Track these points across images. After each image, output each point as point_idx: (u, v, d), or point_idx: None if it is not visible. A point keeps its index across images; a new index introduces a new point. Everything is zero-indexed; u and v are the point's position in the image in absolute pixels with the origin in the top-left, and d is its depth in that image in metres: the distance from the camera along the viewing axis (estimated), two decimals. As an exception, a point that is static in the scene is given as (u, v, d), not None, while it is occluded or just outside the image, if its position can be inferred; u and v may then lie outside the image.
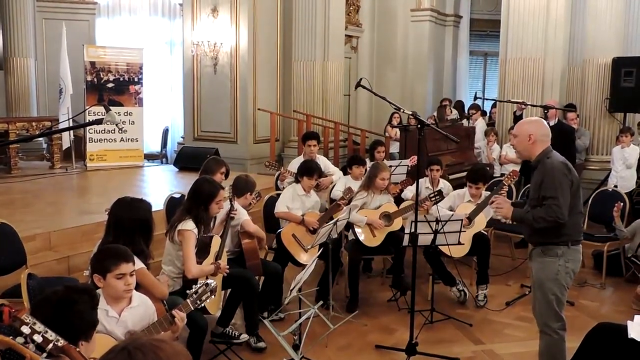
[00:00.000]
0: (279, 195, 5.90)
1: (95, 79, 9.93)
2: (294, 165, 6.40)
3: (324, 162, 6.78)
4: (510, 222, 5.26)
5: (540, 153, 3.79)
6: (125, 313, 3.07)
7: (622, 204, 6.26)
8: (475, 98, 9.19)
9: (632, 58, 8.72)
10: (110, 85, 10.02)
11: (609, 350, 3.43)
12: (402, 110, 4.48)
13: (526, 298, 5.59)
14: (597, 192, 7.09)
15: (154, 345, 1.39)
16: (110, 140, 9.98)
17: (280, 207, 5.57)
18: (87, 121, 8.01)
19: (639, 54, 9.05)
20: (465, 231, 5.25)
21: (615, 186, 7.33)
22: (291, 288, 4.01)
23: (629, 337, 3.32)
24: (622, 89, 8.44)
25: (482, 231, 5.72)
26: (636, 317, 3.56)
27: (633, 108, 8.65)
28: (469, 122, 10.08)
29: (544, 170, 3.72)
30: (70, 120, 8.64)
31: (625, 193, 6.88)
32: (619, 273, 6.33)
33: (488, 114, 11.48)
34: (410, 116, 5.31)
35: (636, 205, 7.31)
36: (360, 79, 4.56)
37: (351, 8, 11.84)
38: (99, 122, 3.06)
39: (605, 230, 6.88)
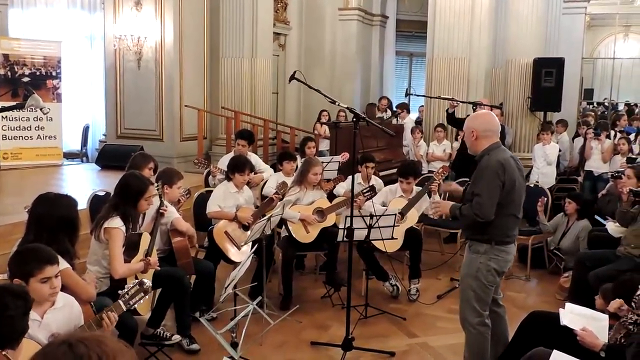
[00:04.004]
0: (209, 192, 5.73)
1: (9, 73, 9.34)
2: (224, 162, 6.24)
3: (255, 159, 6.64)
4: (450, 219, 5.37)
5: (483, 149, 3.72)
6: (49, 315, 2.85)
7: (545, 199, 6.50)
8: (407, 94, 9.30)
9: (551, 59, 9.10)
10: (26, 79, 9.44)
11: (542, 337, 3.51)
12: (337, 103, 4.43)
13: (456, 291, 5.63)
14: (520, 187, 7.34)
15: (97, 339, 1.26)
16: (26, 138, 9.42)
17: (211, 207, 5.39)
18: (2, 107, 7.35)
19: (558, 55, 9.46)
20: (398, 226, 5.29)
21: (537, 182, 7.61)
22: (226, 285, 3.88)
23: (561, 324, 3.40)
24: (543, 89, 8.76)
25: (414, 226, 5.78)
26: (567, 304, 3.67)
27: (553, 107, 9.01)
28: (397, 120, 10.20)
29: (478, 168, 3.71)
30: (-20, 111, 7.98)
31: (547, 188, 7.15)
32: (543, 265, 6.59)
33: (417, 112, 11.69)
34: (345, 110, 5.28)
35: (556, 200, 7.61)
36: (295, 72, 4.47)
37: (279, 5, 11.71)
38: (21, 106, 2.83)
39: (529, 225, 7.12)
